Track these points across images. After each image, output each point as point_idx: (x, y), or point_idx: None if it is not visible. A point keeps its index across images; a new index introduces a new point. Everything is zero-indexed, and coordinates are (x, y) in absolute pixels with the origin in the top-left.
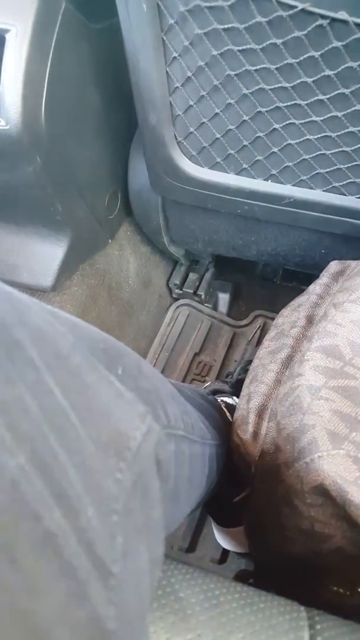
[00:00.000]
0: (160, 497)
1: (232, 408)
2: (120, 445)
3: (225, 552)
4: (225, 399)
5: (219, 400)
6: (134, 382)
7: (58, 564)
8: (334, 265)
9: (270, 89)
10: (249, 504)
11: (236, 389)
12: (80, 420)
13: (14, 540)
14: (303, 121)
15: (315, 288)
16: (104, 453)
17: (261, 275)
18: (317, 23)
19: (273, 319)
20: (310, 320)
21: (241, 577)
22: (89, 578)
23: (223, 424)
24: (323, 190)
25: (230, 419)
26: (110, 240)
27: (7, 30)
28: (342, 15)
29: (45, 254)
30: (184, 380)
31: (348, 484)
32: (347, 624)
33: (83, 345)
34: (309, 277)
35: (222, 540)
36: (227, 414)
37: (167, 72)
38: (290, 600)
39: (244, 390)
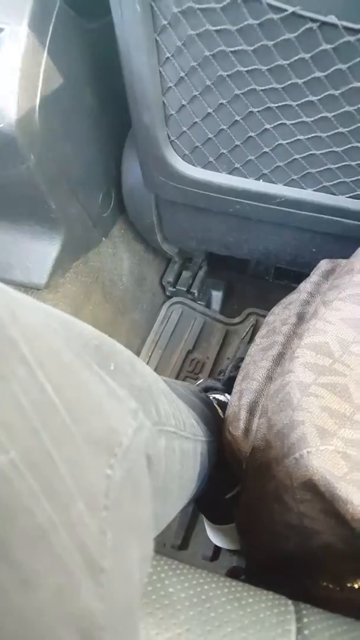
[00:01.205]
0: (150, 493)
1: (224, 405)
2: (111, 441)
3: (217, 550)
4: (218, 396)
5: (211, 398)
6: (126, 379)
7: (49, 559)
8: (324, 264)
9: (261, 90)
10: (240, 500)
11: (228, 387)
12: (72, 417)
13: (6, 536)
14: (294, 122)
15: (305, 286)
16: (95, 449)
17: (253, 274)
18: (307, 26)
19: (265, 316)
20: (300, 318)
21: (233, 574)
22: (79, 573)
23: (215, 421)
24: (314, 190)
25: (222, 416)
26: (103, 239)
27: (1, 29)
28: (331, 19)
29: (38, 252)
30: (177, 378)
31: (336, 479)
32: (334, 616)
33: (76, 342)
34: (301, 275)
35: (214, 538)
36: (219, 411)
37: (160, 72)
38: (278, 595)
39: (236, 387)
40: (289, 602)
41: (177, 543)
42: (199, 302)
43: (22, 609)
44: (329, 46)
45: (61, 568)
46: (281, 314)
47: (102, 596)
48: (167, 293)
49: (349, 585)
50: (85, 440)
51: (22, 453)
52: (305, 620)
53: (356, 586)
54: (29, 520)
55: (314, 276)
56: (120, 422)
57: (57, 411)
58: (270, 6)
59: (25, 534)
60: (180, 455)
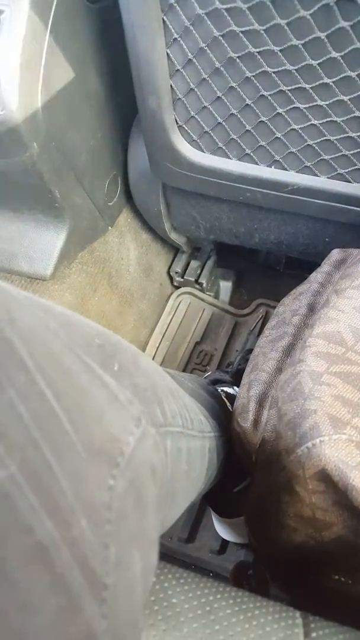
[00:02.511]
0: (154, 502)
1: (232, 398)
2: (113, 451)
3: (224, 543)
4: (226, 388)
5: (219, 390)
6: (130, 379)
7: (50, 578)
8: (335, 254)
9: (273, 72)
10: (249, 492)
11: (237, 379)
12: (72, 425)
13: (4, 554)
14: (307, 105)
15: (316, 276)
16: (96, 459)
17: (264, 264)
18: (324, 2)
19: (275, 307)
20: (311, 309)
21: (240, 568)
22: (81, 592)
23: (223, 414)
24: (327, 177)
25: (231, 409)
26: (110, 228)
27: (1, 11)
28: None
29: (43, 242)
30: (184, 370)
31: (350, 468)
32: (344, 630)
33: (77, 342)
34: (312, 265)
35: (222, 531)
36: (228, 403)
37: (167, 53)
38: (285, 607)
39: (245, 379)
40: (297, 614)
41: (184, 536)
42: (207, 292)
43: (21, 633)
44: (346, 24)
45: (62, 588)
46: (291, 304)
47: (105, 614)
48: (175, 283)
49: None
50: (87, 450)
51: (22, 466)
52: (313, 634)
53: None
54: (28, 537)
55: (325, 266)
56: (122, 430)
57: (57, 419)
58: None
59: (24, 553)
60: (187, 455)
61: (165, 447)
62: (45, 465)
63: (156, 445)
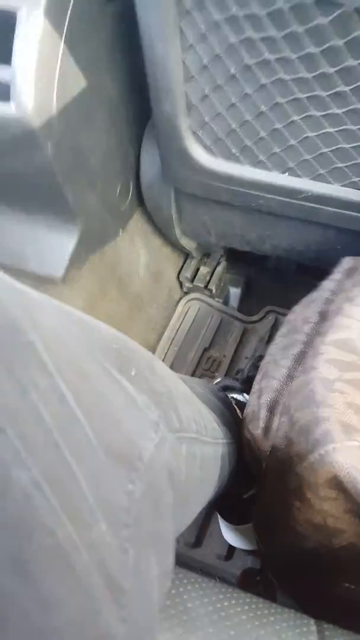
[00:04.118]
0: (171, 507)
1: (242, 405)
2: (132, 455)
3: (231, 549)
4: (236, 395)
5: (229, 397)
6: (147, 384)
7: (70, 579)
8: (346, 262)
9: (289, 80)
10: (258, 499)
11: (247, 386)
12: (93, 429)
13: (26, 556)
14: (323, 113)
15: (328, 284)
16: (116, 463)
17: (273, 270)
18: (341, 10)
19: (285, 314)
20: (323, 317)
21: (247, 575)
22: (100, 595)
23: (233, 421)
24: (341, 185)
25: (241, 416)
26: (121, 232)
27: (18, 8)
28: None
29: (55, 244)
30: (192, 375)
31: None
32: (358, 638)
33: (96, 347)
34: (322, 273)
35: (229, 537)
36: (238, 411)
37: (183, 60)
38: (299, 613)
39: (255, 387)
40: (312, 621)
41: (190, 541)
42: (216, 298)
43: (42, 631)
44: None
45: (82, 589)
46: (302, 312)
47: (124, 618)
48: (184, 289)
49: None
50: (106, 454)
51: (43, 469)
52: None
53: None
54: (50, 539)
55: (337, 274)
56: (141, 435)
57: (78, 423)
58: None
59: (45, 554)
60: (200, 460)
61: (181, 453)
62: (66, 469)
63: (173, 450)
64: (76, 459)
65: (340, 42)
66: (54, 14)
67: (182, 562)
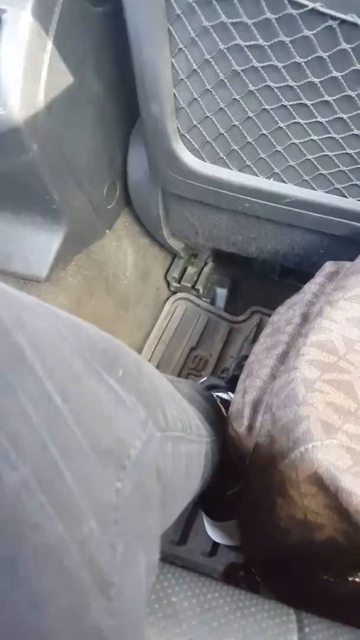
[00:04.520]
0: (158, 503)
1: (227, 403)
2: (120, 453)
3: (215, 545)
4: (221, 394)
5: (214, 396)
6: (134, 384)
7: (60, 577)
8: (328, 266)
9: (276, 87)
10: (242, 496)
11: (232, 385)
12: (80, 428)
13: (16, 555)
14: (308, 121)
15: (310, 287)
16: (104, 462)
17: (259, 272)
18: (327, 24)
19: (269, 315)
20: (305, 318)
21: (230, 570)
22: (90, 590)
23: (218, 420)
24: (325, 192)
25: (225, 415)
26: (107, 231)
27: (3, 11)
28: (351, 17)
29: (40, 244)
30: (179, 374)
31: (341, 472)
32: (336, 625)
33: (84, 347)
34: (306, 275)
35: (213, 534)
36: (222, 409)
37: (172, 63)
38: (280, 604)
39: (240, 385)
40: (291, 611)
41: (175, 538)
42: (203, 298)
43: (33, 629)
44: (348, 46)
45: (72, 586)
46: (285, 313)
47: (112, 611)
48: (172, 289)
49: (350, 579)
50: (95, 453)
51: (32, 468)
52: (307, 630)
53: (357, 580)
54: (39, 537)
55: (319, 277)
56: (129, 433)
57: (65, 423)
58: (290, 1)
59: (35, 552)
60: (186, 458)
61: (167, 451)
62: (55, 468)
63: (161, 448)
64: (64, 458)
65: (324, 54)
66: (41, 15)
67: (168, 560)
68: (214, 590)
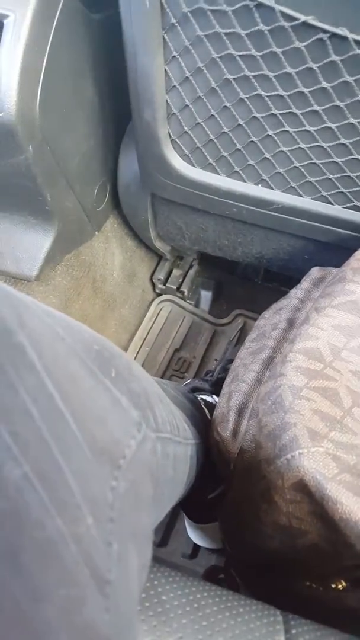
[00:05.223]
0: (150, 502)
1: (211, 406)
2: (116, 453)
3: (196, 548)
4: (205, 397)
5: (198, 398)
6: (126, 385)
7: (59, 571)
8: (315, 272)
9: (267, 96)
10: (225, 500)
11: (216, 388)
12: (79, 427)
13: (17, 547)
14: (297, 130)
15: (296, 292)
16: (100, 460)
17: (242, 275)
18: (318, 36)
19: (253, 318)
20: (291, 323)
21: (211, 573)
22: (86, 585)
23: (202, 422)
24: (311, 198)
25: (210, 418)
26: (96, 232)
27: (5, 16)
28: (342, 31)
29: (30, 243)
30: (163, 376)
31: (327, 480)
32: (321, 627)
33: (79, 347)
34: (289, 279)
35: (194, 536)
36: (207, 412)
37: (165, 70)
38: (267, 605)
39: (225, 389)
40: (278, 612)
41: (157, 540)
42: (188, 301)
43: (32, 620)
44: (337, 58)
45: (69, 580)
46: (271, 318)
47: (108, 607)
48: (157, 290)
49: (332, 585)
50: (92, 452)
51: (34, 465)
52: (293, 631)
53: (340, 587)
54: (39, 531)
55: (305, 283)
56: (124, 433)
57: (65, 421)
58: (283, 14)
59: (35, 546)
60: (173, 460)
61: (157, 452)
62: (55, 465)
63: (153, 449)
64: (64, 456)
65: (315, 65)
66: (41, 19)
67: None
68: (203, 590)
